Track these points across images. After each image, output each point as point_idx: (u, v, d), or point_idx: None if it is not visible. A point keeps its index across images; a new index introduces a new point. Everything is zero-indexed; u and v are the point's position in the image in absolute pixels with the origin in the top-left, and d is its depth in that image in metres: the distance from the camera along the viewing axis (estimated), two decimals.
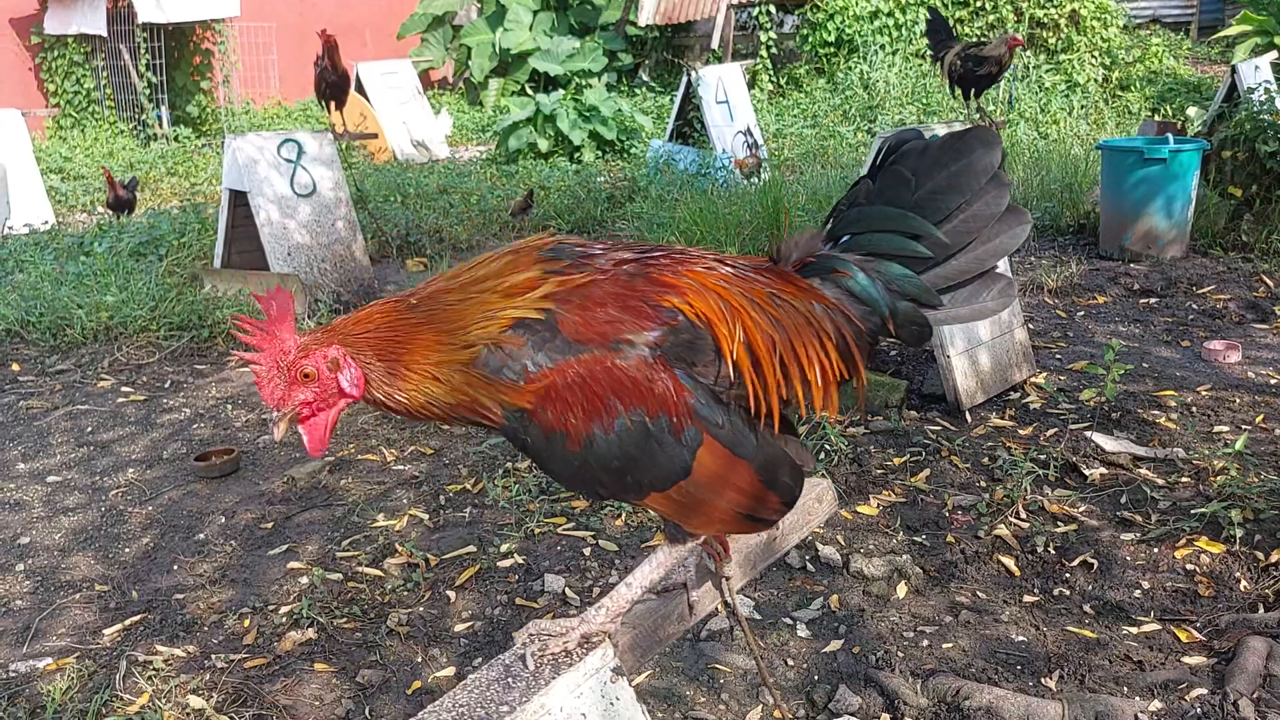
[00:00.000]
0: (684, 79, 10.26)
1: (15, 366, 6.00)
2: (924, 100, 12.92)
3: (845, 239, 1.58)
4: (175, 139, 14.34)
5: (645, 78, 16.41)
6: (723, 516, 1.51)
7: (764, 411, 1.48)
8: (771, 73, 14.67)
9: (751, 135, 9.29)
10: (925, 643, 3.04)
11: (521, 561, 3.56)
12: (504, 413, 1.40)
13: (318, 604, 3.33)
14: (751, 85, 13.34)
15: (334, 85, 7.64)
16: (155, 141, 14.23)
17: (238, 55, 15.74)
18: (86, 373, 5.82)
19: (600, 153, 11.86)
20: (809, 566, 3.49)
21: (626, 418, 1.39)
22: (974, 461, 4.16)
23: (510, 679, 1.30)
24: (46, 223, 10.08)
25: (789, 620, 3.20)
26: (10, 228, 9.59)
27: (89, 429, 5.05)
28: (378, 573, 3.54)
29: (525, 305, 1.41)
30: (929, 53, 7.97)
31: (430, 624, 3.25)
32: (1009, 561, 3.44)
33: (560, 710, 1.30)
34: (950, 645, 3.02)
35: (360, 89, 13.23)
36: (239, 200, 7.16)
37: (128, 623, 3.33)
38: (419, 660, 3.09)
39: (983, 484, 3.97)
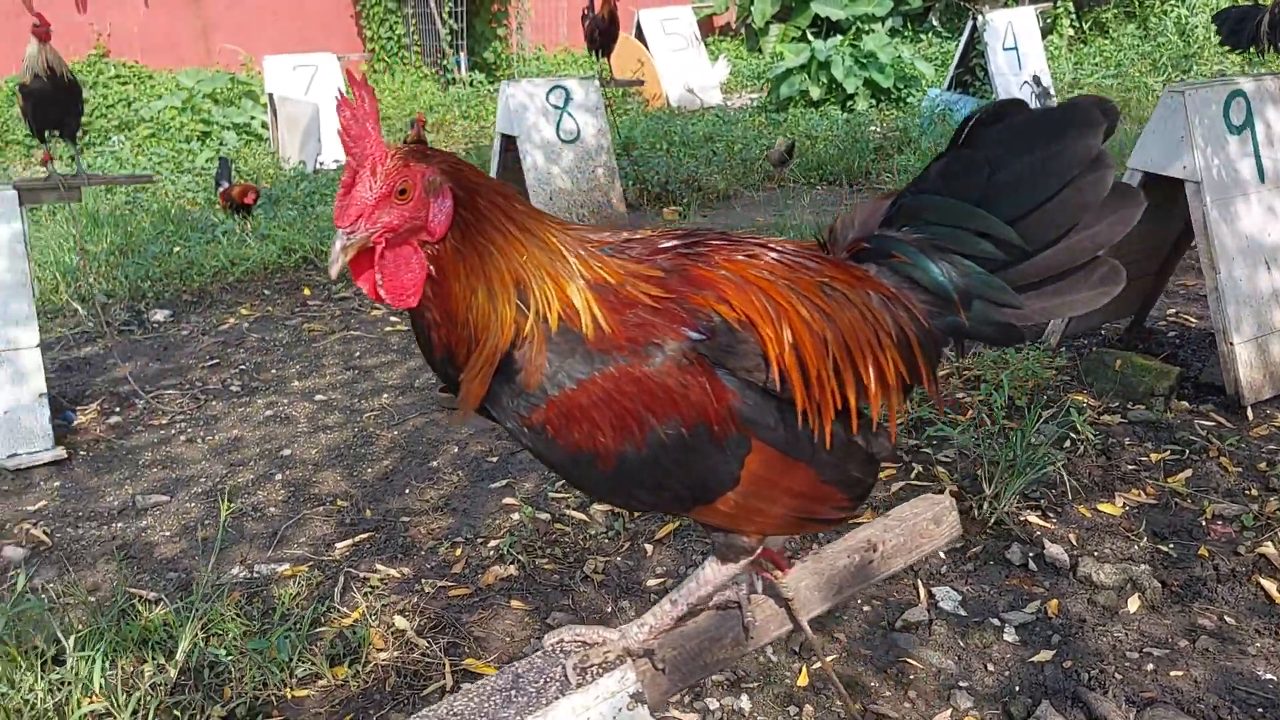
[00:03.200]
0: (968, 23, 9.60)
1: (306, 291, 6.62)
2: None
3: (906, 228, 1.38)
4: (470, 84, 15.19)
5: (935, 22, 15.54)
6: (777, 522, 1.37)
7: (815, 423, 1.32)
8: (1074, 17, 13.44)
9: (1040, 84, 8.56)
10: (1150, 666, 2.72)
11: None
12: (525, 428, 1.26)
13: (522, 542, 3.45)
14: (1049, 31, 12.30)
15: (604, 33, 7.75)
16: (453, 86, 15.15)
17: (531, 3, 16.38)
18: (363, 301, 6.32)
19: (875, 101, 11.39)
20: (1030, 565, 3.21)
21: (660, 431, 1.24)
22: (1247, 466, 3.65)
23: (515, 691, 1.22)
24: None
25: (997, 621, 2.96)
26: (321, 163, 10.54)
27: (357, 354, 5.49)
28: (583, 518, 3.62)
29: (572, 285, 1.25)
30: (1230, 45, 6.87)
31: (624, 575, 3.29)
32: (1270, 586, 3.01)
33: None
34: (1180, 674, 2.68)
35: (639, 35, 13.42)
36: (509, 144, 7.48)
37: (357, 539, 3.60)
38: (609, 610, 3.13)
39: (1254, 492, 3.48)
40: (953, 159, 1.33)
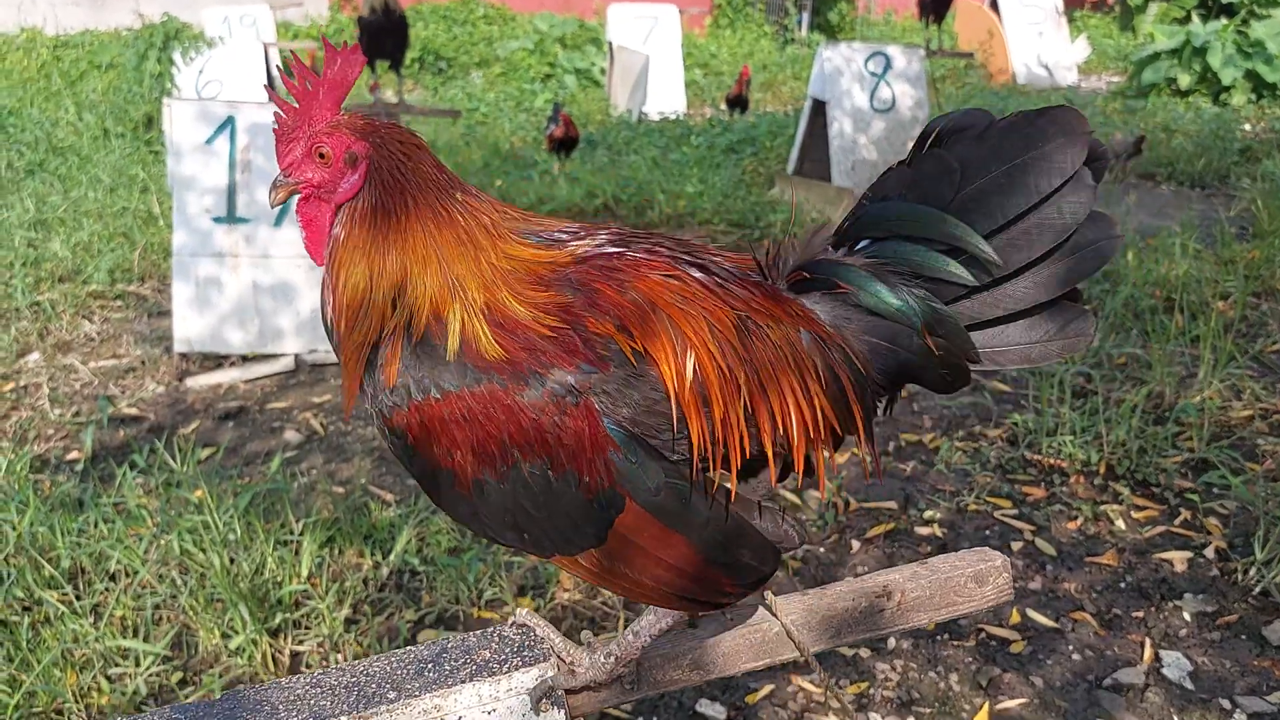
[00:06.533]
0: None
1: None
2: None
3: (864, 244, 1.19)
4: (808, 44, 15.02)
5: None
6: (649, 594, 1.21)
7: (718, 476, 1.18)
8: None
9: None
10: None
11: (940, 534, 3.30)
12: (386, 428, 1.18)
13: None
14: None
15: (937, 0, 7.35)
16: (790, 45, 15.04)
17: None
18: None
19: (1255, 95, 10.03)
20: None
21: (524, 468, 1.13)
22: None
23: (433, 665, 1.17)
24: (675, 112, 11.22)
25: (1227, 703, 2.57)
26: (645, 113, 10.85)
27: None
28: (796, 500, 3.53)
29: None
30: None
31: (822, 569, 3.18)
32: None
33: None
34: None
35: (994, 5, 12.62)
36: (819, 110, 7.32)
37: None
38: None
39: None
40: (921, 161, 1.17)
